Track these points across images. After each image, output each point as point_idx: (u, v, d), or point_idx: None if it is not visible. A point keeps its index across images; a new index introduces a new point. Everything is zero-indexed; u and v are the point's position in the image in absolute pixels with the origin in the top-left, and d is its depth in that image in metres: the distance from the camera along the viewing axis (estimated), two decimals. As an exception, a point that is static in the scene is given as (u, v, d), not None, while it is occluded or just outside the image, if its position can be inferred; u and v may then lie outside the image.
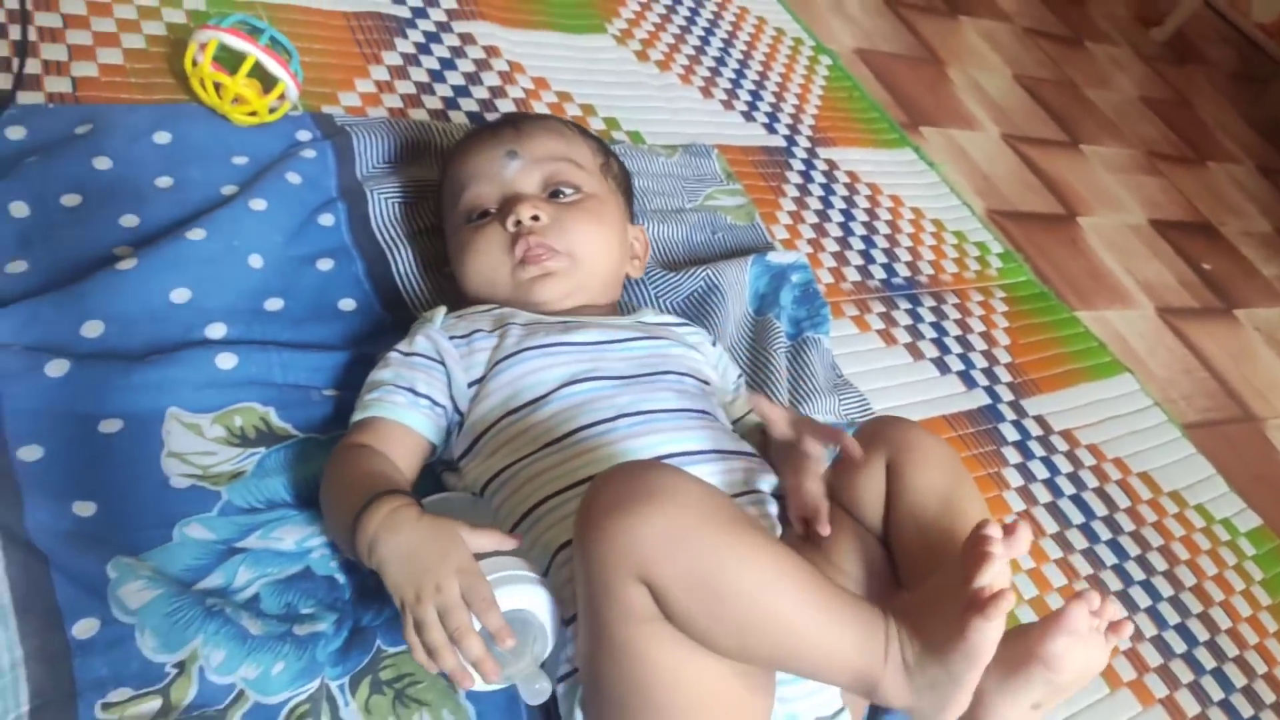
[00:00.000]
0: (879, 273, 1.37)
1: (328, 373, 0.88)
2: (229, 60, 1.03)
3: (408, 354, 0.82)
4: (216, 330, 0.87)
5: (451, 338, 0.83)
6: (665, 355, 0.86)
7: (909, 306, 1.34)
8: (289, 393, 0.85)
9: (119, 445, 0.77)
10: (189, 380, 0.82)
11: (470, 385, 0.81)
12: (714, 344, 0.96)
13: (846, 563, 0.75)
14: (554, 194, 0.92)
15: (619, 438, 0.76)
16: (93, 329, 0.82)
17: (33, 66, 1.00)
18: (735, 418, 0.92)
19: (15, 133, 0.93)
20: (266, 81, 1.05)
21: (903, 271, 1.40)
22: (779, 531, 0.78)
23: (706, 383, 0.88)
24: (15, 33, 1.01)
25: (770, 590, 0.60)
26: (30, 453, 0.74)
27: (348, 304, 0.95)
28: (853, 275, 1.34)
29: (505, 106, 1.28)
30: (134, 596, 0.67)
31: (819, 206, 1.43)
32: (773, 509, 0.79)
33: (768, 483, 0.80)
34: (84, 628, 0.66)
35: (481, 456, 0.79)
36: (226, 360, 0.84)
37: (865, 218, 1.46)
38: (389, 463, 0.75)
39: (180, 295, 0.87)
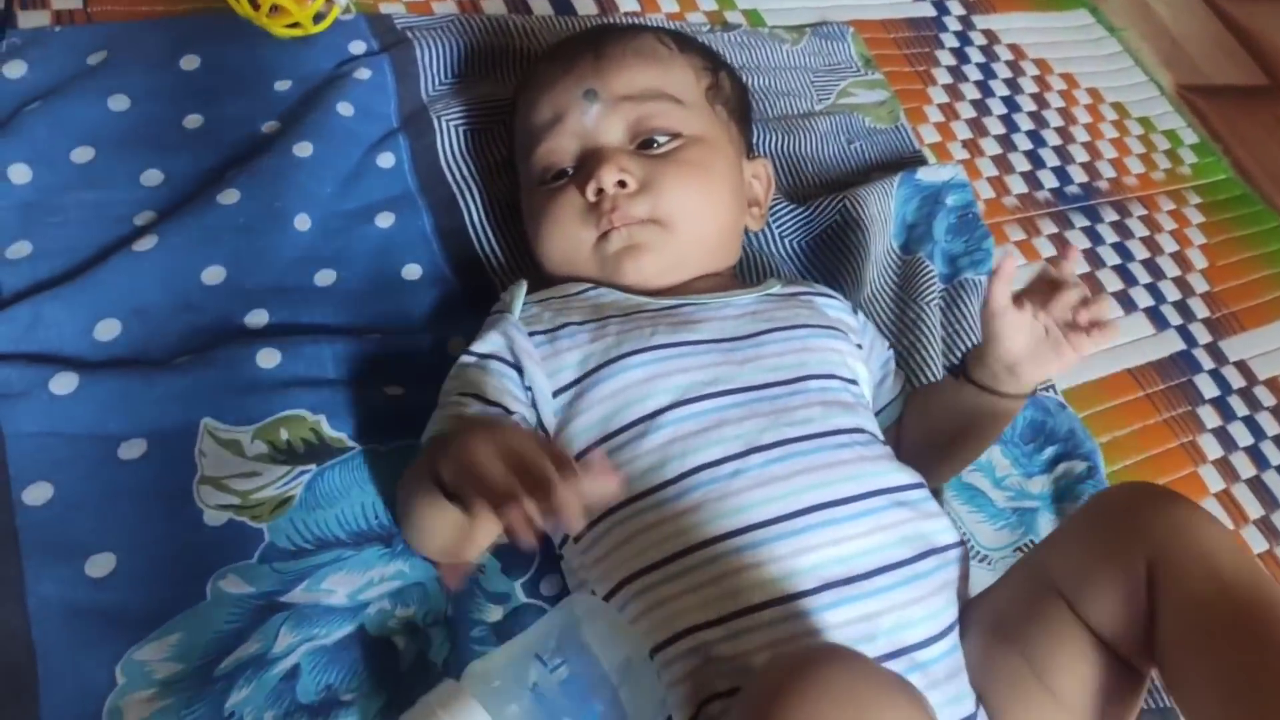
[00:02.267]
0: (1049, 181, 1.13)
1: (390, 364, 0.73)
2: (265, -44, 0.85)
3: (482, 357, 0.67)
4: (258, 318, 0.73)
5: (533, 333, 0.67)
6: (805, 350, 0.68)
7: (1086, 224, 1.11)
8: (344, 392, 0.71)
9: (143, 474, 0.65)
10: (226, 385, 0.68)
11: (556, 394, 0.65)
12: (855, 313, 0.77)
13: (1066, 687, 0.57)
14: (645, 143, 0.72)
15: (750, 484, 0.59)
16: (108, 329, 0.68)
17: (35, -22, 0.84)
18: (882, 404, 0.74)
19: (14, 69, 0.77)
20: (311, -18, 0.86)
21: (1078, 177, 1.16)
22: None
23: (854, 381, 0.70)
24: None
25: None
26: (37, 493, 0.62)
27: (413, 271, 0.79)
28: (1017, 186, 1.11)
29: (598, -10, 1.06)
30: (136, 708, 0.56)
31: (975, 95, 1.18)
32: (955, 570, 0.62)
33: (943, 528, 0.63)
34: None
35: None
36: (269, 358, 0.70)
37: (1032, 106, 1.21)
38: None
39: (213, 275, 0.73)
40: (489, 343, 0.67)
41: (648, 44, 0.78)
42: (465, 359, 0.67)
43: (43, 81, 0.78)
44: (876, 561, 0.59)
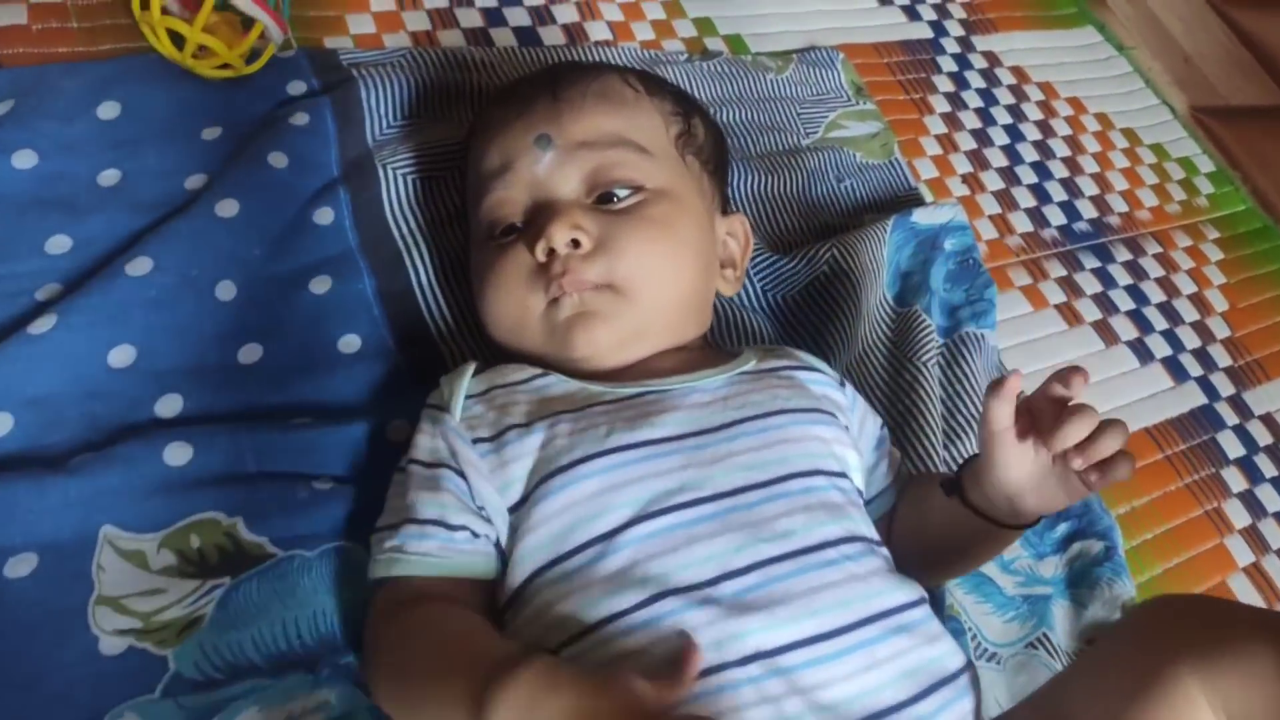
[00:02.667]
0: (1056, 217, 1.05)
1: (321, 454, 0.65)
2: (192, -10, 0.77)
3: (430, 466, 0.58)
4: (169, 405, 0.65)
5: (476, 440, 0.58)
6: (784, 442, 0.59)
7: (1097, 264, 1.03)
8: (264, 490, 0.63)
9: (31, 594, 0.57)
10: (129, 487, 0.60)
11: (510, 510, 0.57)
12: (843, 386, 0.69)
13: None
14: (604, 197, 0.64)
15: (722, 614, 0.51)
16: (-2, 425, 0.60)
17: (-64, 18, 0.76)
18: (874, 492, 0.66)
19: (-95, 125, 0.70)
20: (245, 18, 0.78)
21: (1087, 213, 1.07)
22: None
23: (841, 474, 0.61)
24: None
25: None
26: (-92, 623, 0.54)
27: (350, 342, 0.71)
28: (1022, 225, 1.03)
29: (564, 15, 0.98)
30: None
31: (976, 124, 1.10)
32: (967, 703, 0.54)
33: (948, 651, 0.55)
34: None
35: (524, 619, 0.55)
36: (179, 453, 0.62)
37: (1037, 135, 1.13)
38: (471, 617, 0.54)
39: (120, 357, 0.65)
40: (433, 451, 0.59)
41: (611, 85, 0.69)
42: (412, 467, 0.59)
43: (-62, 137, 0.70)
44: (871, 706, 0.51)
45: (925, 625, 0.55)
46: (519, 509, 0.56)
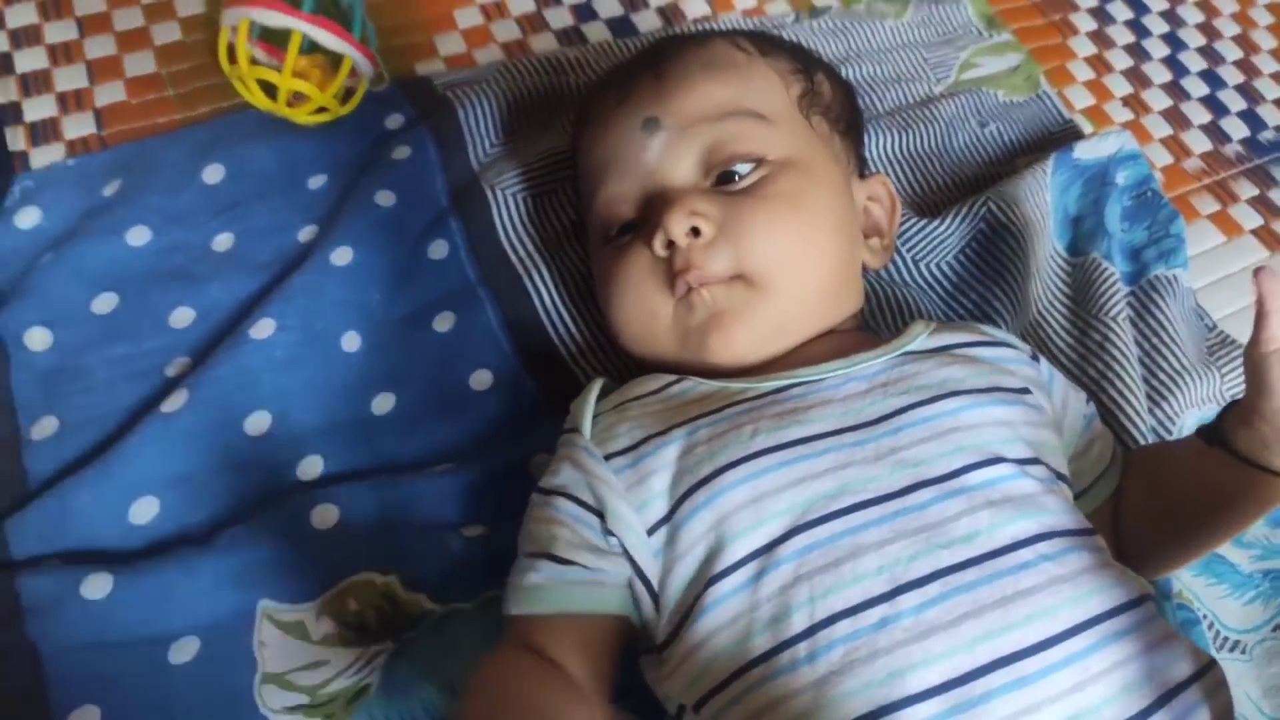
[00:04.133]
0: (1237, 130, 0.93)
1: (467, 499, 0.62)
2: (279, 36, 0.75)
3: (550, 493, 0.54)
4: (310, 467, 0.63)
5: (609, 456, 0.53)
6: (958, 430, 0.51)
7: (1294, 176, 0.90)
8: (416, 541, 0.60)
9: (198, 679, 0.55)
10: (280, 557, 0.58)
11: (651, 531, 0.51)
12: (1034, 359, 0.60)
13: None
14: (724, 177, 0.58)
15: (903, 639, 0.44)
16: (144, 510, 0.59)
17: (44, 107, 0.76)
18: (1090, 480, 0.58)
19: (27, 218, 0.70)
20: (333, 57, 0.76)
21: (1272, 119, 0.94)
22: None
23: (1033, 460, 0.53)
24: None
25: None
26: (82, 719, 0.53)
27: (482, 378, 0.67)
28: (1199, 144, 0.91)
29: (660, -2, 0.93)
30: None
31: (1129, 39, 0.99)
32: (1206, 714, 0.46)
33: (1182, 654, 0.47)
34: None
35: (680, 655, 0.49)
36: (327, 515, 0.60)
37: (1200, 40, 1.00)
38: (564, 690, 0.48)
39: (256, 424, 0.63)
40: (560, 476, 0.54)
41: (718, 51, 0.63)
42: (533, 497, 0.55)
43: (57, 226, 0.70)
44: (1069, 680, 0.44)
45: (1148, 627, 0.47)
46: (661, 529, 0.50)
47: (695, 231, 0.56)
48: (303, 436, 0.63)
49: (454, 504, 0.61)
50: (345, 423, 0.64)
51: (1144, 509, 0.56)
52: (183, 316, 0.67)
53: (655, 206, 0.58)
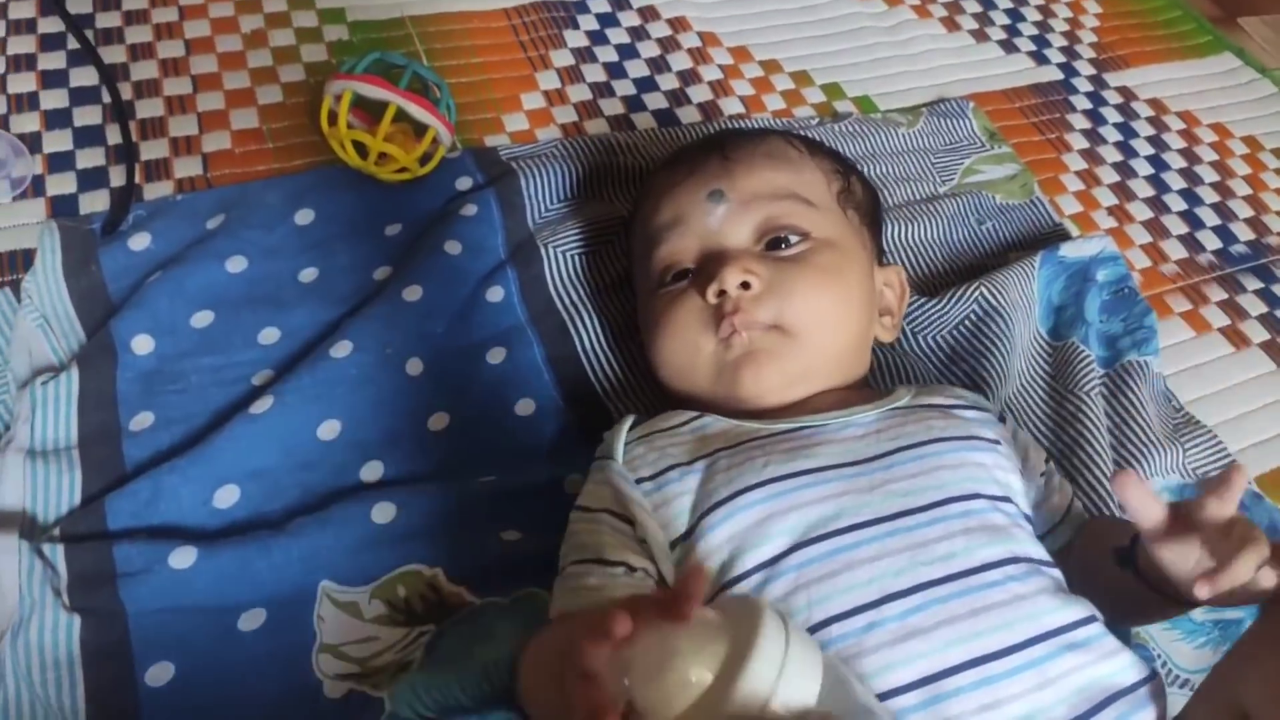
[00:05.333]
0: (1211, 241, 1.03)
1: (507, 508, 0.70)
2: (373, 106, 0.86)
3: (590, 511, 0.63)
4: (373, 471, 0.71)
5: (639, 480, 0.62)
6: (941, 468, 0.60)
7: (1259, 285, 0.99)
8: (461, 542, 0.68)
9: (263, 645, 0.63)
10: (342, 544, 0.66)
11: (674, 545, 0.60)
12: (1003, 421, 0.69)
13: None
14: (773, 243, 0.68)
15: (887, 640, 0.52)
16: (227, 496, 0.68)
17: (158, 149, 0.88)
18: (1046, 528, 0.65)
19: (139, 241, 0.80)
20: (417, 126, 0.87)
21: (1243, 235, 1.05)
22: None
23: (1004, 498, 0.61)
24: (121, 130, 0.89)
25: None
26: (159, 673, 0.61)
27: (526, 406, 0.76)
28: (1176, 251, 1.01)
29: (698, 95, 1.04)
30: None
31: (1117, 158, 1.10)
32: (1148, 713, 0.53)
33: (1125, 665, 0.54)
34: None
35: None
36: (385, 512, 0.68)
37: (1181, 162, 1.11)
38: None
39: (329, 430, 0.72)
40: (596, 496, 0.63)
41: (777, 146, 0.75)
42: (575, 515, 0.63)
43: (164, 250, 0.80)
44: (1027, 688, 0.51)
45: (1099, 641, 0.55)
46: (683, 543, 0.59)
47: (746, 285, 0.65)
48: (368, 444, 0.72)
49: (495, 511, 0.70)
50: (406, 435, 0.73)
51: (1084, 573, 0.62)
52: (270, 335, 0.77)
53: (712, 262, 0.68)
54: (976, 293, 0.86)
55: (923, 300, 0.86)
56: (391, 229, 0.85)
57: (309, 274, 0.81)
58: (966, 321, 0.85)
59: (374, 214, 0.86)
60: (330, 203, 0.85)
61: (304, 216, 0.84)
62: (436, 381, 0.76)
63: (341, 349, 0.74)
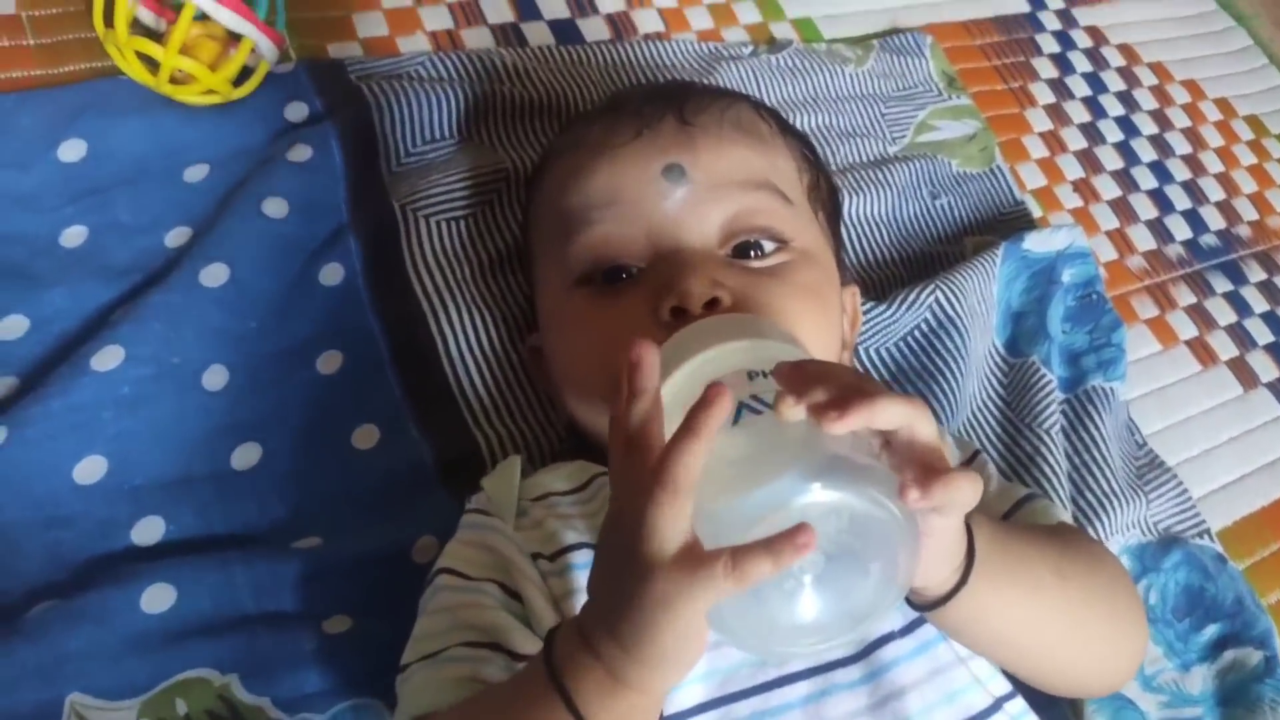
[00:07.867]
0: (1180, 230, 0.91)
1: (334, 585, 0.54)
2: (169, -2, 0.64)
3: (470, 580, 0.47)
4: (148, 531, 0.53)
5: (536, 556, 0.47)
6: None
7: (1229, 288, 0.88)
8: (264, 637, 0.51)
9: (-17, 793, 0.46)
10: (101, 646, 0.49)
11: None
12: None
13: None
14: (742, 249, 0.52)
15: None
16: (-63, 574, 0.49)
17: None
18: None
19: None
20: (230, 31, 0.65)
21: (1214, 223, 0.93)
22: None
23: None
24: None
25: None
26: None
27: (367, 436, 0.59)
28: (1143, 241, 0.89)
29: (607, 4, 0.84)
30: None
31: (1085, 118, 0.95)
32: None
33: None
34: None
35: None
36: (159, 597, 0.51)
37: (1153, 128, 0.98)
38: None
39: (88, 471, 0.53)
40: (475, 562, 0.48)
41: (746, 116, 0.58)
42: (446, 580, 0.48)
43: None
44: None
45: None
46: None
47: (713, 302, 0.49)
48: (143, 491, 0.54)
49: (316, 591, 0.53)
50: (198, 478, 0.55)
51: None
52: (14, 326, 0.57)
53: (668, 264, 0.51)
54: (931, 298, 0.71)
55: (868, 305, 0.71)
56: (193, 173, 0.64)
57: (74, 235, 0.61)
58: (917, 332, 0.71)
59: (169, 150, 0.65)
60: (109, 132, 0.64)
61: (71, 150, 0.63)
62: (245, 400, 0.58)
63: (109, 358, 0.55)
